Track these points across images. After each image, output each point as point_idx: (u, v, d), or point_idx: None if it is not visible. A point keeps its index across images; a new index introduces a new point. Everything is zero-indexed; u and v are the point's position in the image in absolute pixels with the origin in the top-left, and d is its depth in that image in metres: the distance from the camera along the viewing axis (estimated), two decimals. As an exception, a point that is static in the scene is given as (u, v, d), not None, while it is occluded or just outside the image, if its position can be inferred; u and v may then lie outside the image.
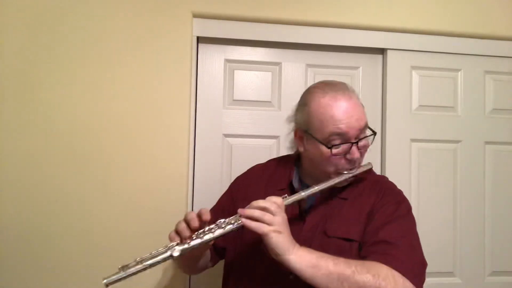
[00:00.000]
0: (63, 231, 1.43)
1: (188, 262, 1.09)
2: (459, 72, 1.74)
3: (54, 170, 1.44)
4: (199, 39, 1.60)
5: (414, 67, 1.71)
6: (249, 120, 1.63)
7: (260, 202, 0.89)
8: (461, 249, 1.68)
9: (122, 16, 1.49)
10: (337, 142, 0.97)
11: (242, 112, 1.63)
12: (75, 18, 1.47)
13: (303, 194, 0.97)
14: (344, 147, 0.98)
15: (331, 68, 1.69)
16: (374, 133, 1.03)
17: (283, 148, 1.57)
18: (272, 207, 0.88)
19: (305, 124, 1.03)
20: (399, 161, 1.67)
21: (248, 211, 0.89)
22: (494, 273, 1.71)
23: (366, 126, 1.02)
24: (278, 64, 1.66)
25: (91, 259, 1.43)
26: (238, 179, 1.26)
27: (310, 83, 1.66)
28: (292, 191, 1.06)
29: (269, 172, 1.19)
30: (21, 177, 1.42)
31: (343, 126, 0.96)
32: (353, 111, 0.98)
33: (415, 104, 1.71)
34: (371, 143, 1.04)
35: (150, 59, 1.50)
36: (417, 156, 1.69)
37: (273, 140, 1.63)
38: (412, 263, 0.91)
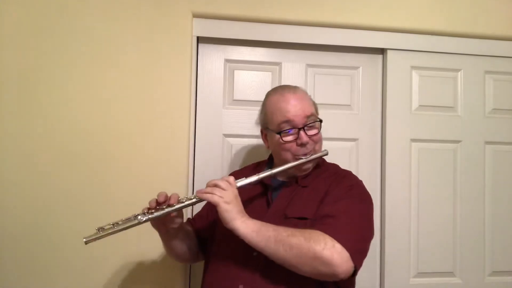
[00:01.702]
0: (63, 231, 1.43)
1: (168, 239, 1.18)
2: (459, 72, 1.74)
3: (54, 170, 1.44)
4: (199, 39, 1.60)
5: (414, 67, 1.71)
6: (249, 120, 1.63)
7: (213, 180, 1.05)
8: (461, 249, 1.68)
9: (122, 16, 1.49)
10: (286, 127, 1.12)
11: (242, 112, 1.63)
12: (75, 18, 1.47)
13: (257, 177, 1.09)
14: (293, 133, 1.12)
15: (331, 68, 1.69)
16: (320, 120, 1.16)
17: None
18: (222, 183, 1.03)
19: (264, 122, 1.20)
20: (399, 161, 1.67)
21: (202, 189, 1.05)
22: (494, 273, 1.71)
23: (313, 115, 1.15)
24: (278, 64, 1.66)
25: (91, 259, 1.43)
26: None
27: (310, 83, 1.67)
28: (263, 186, 1.19)
29: (245, 173, 1.25)
30: (21, 177, 1.42)
31: (288, 114, 1.12)
32: (298, 102, 1.13)
33: (415, 104, 1.71)
34: (320, 129, 1.16)
35: (150, 59, 1.50)
36: (417, 156, 1.69)
37: (273, 140, 1.63)
38: (346, 231, 0.98)
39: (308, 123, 1.13)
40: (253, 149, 1.61)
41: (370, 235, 1.07)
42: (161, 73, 1.50)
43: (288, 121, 1.12)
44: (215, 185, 1.03)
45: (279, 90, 1.20)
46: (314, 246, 0.93)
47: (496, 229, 1.72)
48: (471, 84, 1.74)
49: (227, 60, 1.63)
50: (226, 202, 0.99)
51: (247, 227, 0.98)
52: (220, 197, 1.00)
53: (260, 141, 1.62)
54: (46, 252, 1.42)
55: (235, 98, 1.63)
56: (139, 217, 1.02)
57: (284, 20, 1.59)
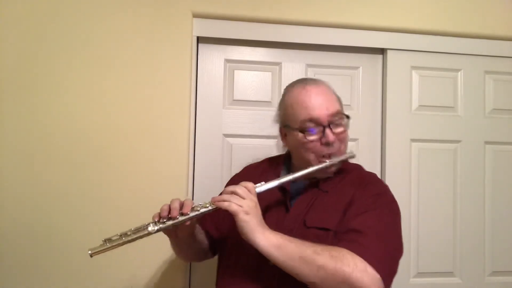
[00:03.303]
0: (63, 232, 1.43)
1: (181, 245, 1.13)
2: (459, 72, 1.74)
3: (53, 171, 1.44)
4: (199, 39, 1.60)
5: (414, 67, 1.71)
6: (249, 120, 1.63)
7: (231, 187, 0.96)
8: (461, 249, 1.68)
9: (122, 16, 1.49)
10: (310, 126, 1.02)
11: (242, 112, 1.63)
12: (75, 18, 1.47)
13: (278, 182, 1.01)
14: (318, 131, 1.02)
15: (331, 68, 1.69)
16: (347, 117, 1.07)
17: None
18: (241, 191, 0.94)
19: (284, 119, 1.10)
20: (399, 161, 1.67)
21: (219, 196, 0.96)
22: (494, 273, 1.71)
23: (339, 112, 1.05)
24: (278, 64, 1.66)
25: (91, 259, 1.43)
26: (232, 177, 1.30)
27: (310, 83, 1.66)
28: (282, 190, 1.10)
29: (260, 169, 1.23)
30: (20, 179, 1.42)
31: (313, 112, 1.02)
32: (322, 96, 1.04)
33: (415, 104, 1.71)
34: (348, 127, 1.07)
35: (150, 59, 1.50)
36: (417, 156, 1.69)
37: (273, 140, 1.63)
38: (378, 252, 0.90)
39: (334, 120, 1.03)
40: (253, 149, 1.61)
41: (401, 252, 0.98)
42: (161, 73, 1.50)
43: (312, 120, 1.02)
44: (233, 193, 0.94)
45: (300, 84, 1.08)
46: (343, 267, 0.85)
47: (496, 229, 1.72)
48: (471, 84, 1.74)
49: (227, 60, 1.63)
50: (245, 212, 0.91)
51: (267, 241, 0.89)
52: (239, 206, 0.91)
53: (260, 141, 1.63)
54: (45, 252, 1.42)
55: (235, 98, 1.63)
56: (149, 228, 0.94)
57: (284, 20, 1.59)
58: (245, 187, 0.96)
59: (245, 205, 0.91)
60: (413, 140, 1.69)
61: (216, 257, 1.24)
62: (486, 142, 1.74)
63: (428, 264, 1.67)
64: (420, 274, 1.66)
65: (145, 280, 1.46)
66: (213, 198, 0.97)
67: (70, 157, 1.45)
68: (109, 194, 1.46)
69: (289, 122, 1.07)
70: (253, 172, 1.23)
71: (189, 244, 1.12)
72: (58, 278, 1.42)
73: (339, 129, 1.04)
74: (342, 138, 1.06)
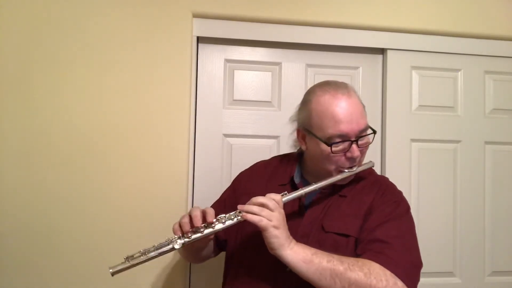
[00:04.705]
0: (63, 232, 1.43)
1: (191, 252, 1.14)
2: (459, 72, 1.74)
3: (52, 172, 1.44)
4: (199, 39, 1.60)
5: (414, 67, 1.71)
6: (249, 120, 1.63)
7: (260, 199, 0.92)
8: (461, 249, 1.68)
9: (122, 16, 1.49)
10: (337, 140, 0.98)
11: (242, 112, 1.63)
12: (74, 18, 1.47)
13: (302, 191, 0.99)
14: (344, 145, 0.99)
15: (331, 68, 1.69)
16: (374, 132, 1.03)
17: (283, 148, 1.57)
18: (270, 203, 0.91)
19: (307, 123, 1.04)
20: (399, 161, 1.67)
21: (247, 206, 0.92)
22: (494, 273, 1.71)
23: (368, 127, 1.02)
24: (278, 64, 1.66)
25: (92, 260, 1.43)
26: (241, 174, 1.28)
27: (310, 83, 1.66)
28: (293, 187, 1.09)
29: (271, 168, 1.21)
30: (19, 179, 1.42)
31: (343, 127, 0.97)
32: (353, 111, 0.99)
33: (415, 104, 1.71)
34: (372, 141, 1.04)
35: (150, 59, 1.50)
36: (417, 156, 1.69)
37: (273, 140, 1.63)
38: (405, 264, 0.92)
39: (362, 135, 1.00)
40: (253, 149, 1.61)
41: (421, 260, 1.00)
42: (161, 73, 1.50)
43: (341, 135, 0.98)
44: (262, 205, 0.91)
45: (330, 90, 1.01)
46: (376, 284, 0.86)
47: (496, 229, 1.72)
48: (471, 84, 1.74)
49: (227, 60, 1.63)
50: (275, 227, 0.88)
51: (297, 256, 0.88)
52: (269, 220, 0.88)
53: (260, 141, 1.63)
54: (45, 252, 1.42)
55: (235, 98, 1.63)
56: (175, 245, 0.91)
57: (284, 20, 1.59)
58: (273, 199, 0.93)
59: (274, 219, 0.89)
60: (413, 140, 1.69)
61: (216, 257, 1.25)
62: (486, 142, 1.74)
63: (428, 264, 1.65)
64: (420, 274, 1.66)
65: (145, 280, 1.46)
66: (240, 207, 0.93)
67: (70, 157, 1.45)
68: (109, 194, 1.46)
69: (313, 129, 1.02)
70: (263, 171, 1.21)
71: (203, 249, 1.12)
72: (58, 278, 1.42)
73: (363, 141, 1.02)
74: (364, 151, 1.04)
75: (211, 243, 1.14)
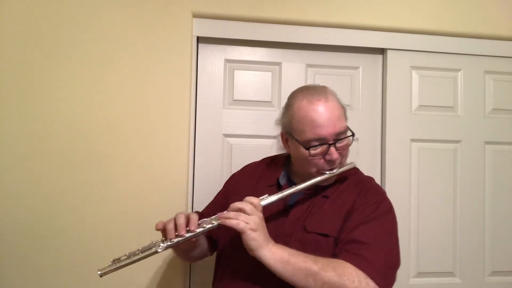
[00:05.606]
0: (63, 232, 1.43)
1: (179, 253, 1.18)
2: (459, 72, 1.74)
3: (51, 171, 1.44)
4: (199, 39, 1.60)
5: (414, 67, 1.71)
6: (249, 120, 1.63)
7: (237, 204, 0.97)
8: (461, 249, 1.68)
9: (122, 16, 1.49)
10: (315, 144, 1.02)
11: (242, 112, 1.63)
12: (74, 18, 1.47)
13: (281, 194, 1.03)
14: (322, 148, 1.03)
15: (331, 68, 1.69)
16: (353, 134, 1.07)
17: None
18: (247, 207, 0.95)
19: (289, 127, 1.08)
20: (399, 161, 1.67)
21: (225, 213, 0.96)
22: (494, 273, 1.71)
23: (346, 130, 1.05)
24: (278, 64, 1.66)
25: (89, 259, 1.43)
26: (232, 175, 1.33)
27: (310, 83, 1.67)
28: (279, 188, 1.13)
29: (261, 169, 1.25)
30: (18, 179, 1.42)
31: (320, 131, 1.01)
32: (331, 115, 1.02)
33: (415, 104, 1.71)
34: (351, 142, 1.07)
35: (150, 59, 1.50)
36: (417, 156, 1.69)
37: (273, 140, 1.63)
38: (380, 265, 0.94)
39: (340, 138, 1.03)
40: (253, 149, 1.61)
41: (399, 261, 1.01)
42: (161, 73, 1.50)
43: (318, 139, 1.02)
44: (240, 210, 0.95)
45: (308, 95, 1.05)
46: (349, 285, 0.89)
47: (496, 229, 1.72)
48: (471, 84, 1.74)
49: (227, 60, 1.63)
50: (253, 230, 0.92)
51: (274, 256, 0.92)
52: (246, 223, 0.92)
53: (260, 141, 1.63)
54: (44, 252, 1.42)
55: (235, 98, 1.63)
56: (158, 249, 0.96)
57: (284, 20, 1.59)
58: (251, 202, 0.97)
59: (251, 222, 0.93)
60: (413, 140, 1.69)
61: (215, 257, 1.25)
62: (486, 142, 1.73)
63: (428, 264, 1.67)
64: (420, 274, 1.66)
65: (145, 280, 1.46)
66: (219, 214, 0.98)
67: (69, 157, 1.45)
68: (109, 194, 1.46)
69: (294, 133, 1.06)
70: (253, 172, 1.25)
71: (192, 250, 1.15)
72: (57, 279, 1.42)
73: (342, 143, 1.05)
74: (344, 153, 1.07)
75: (205, 242, 1.19)
